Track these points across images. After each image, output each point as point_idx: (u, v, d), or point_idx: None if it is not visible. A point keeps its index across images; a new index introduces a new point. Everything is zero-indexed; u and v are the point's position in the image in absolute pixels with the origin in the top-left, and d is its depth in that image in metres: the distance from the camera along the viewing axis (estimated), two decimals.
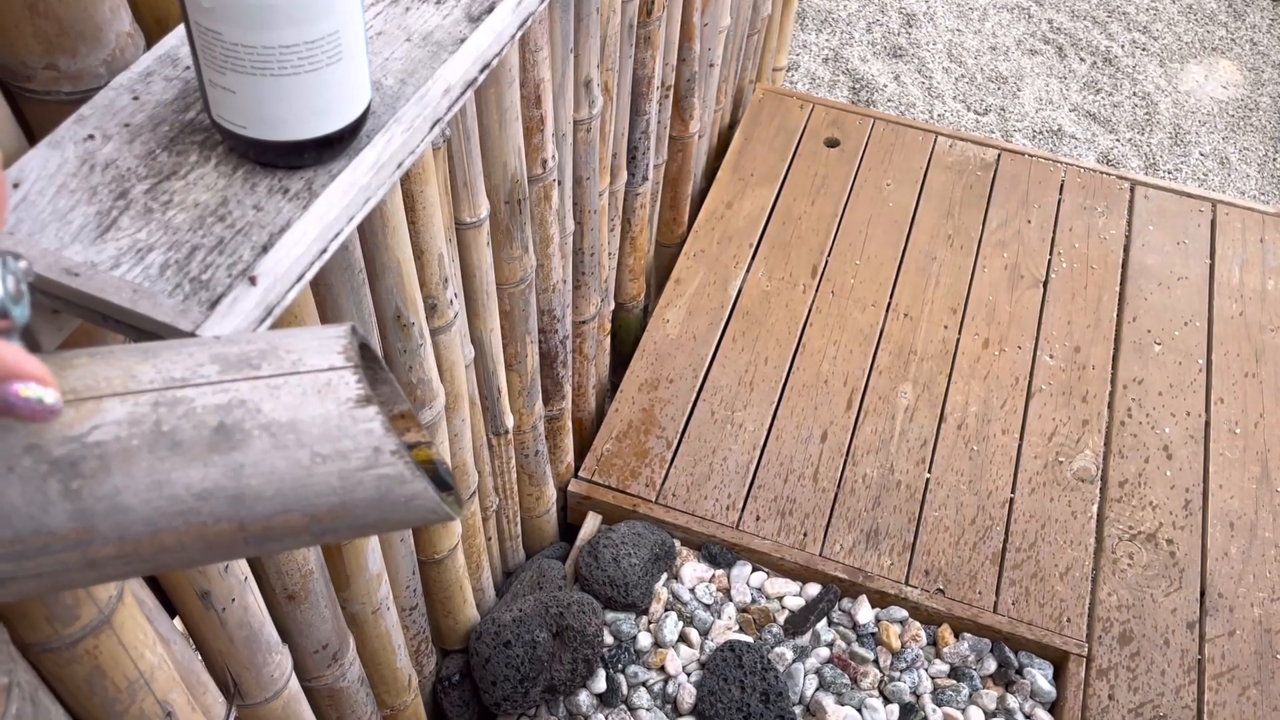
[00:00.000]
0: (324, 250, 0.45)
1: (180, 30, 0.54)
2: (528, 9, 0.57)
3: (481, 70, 0.54)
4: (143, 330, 0.43)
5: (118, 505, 0.35)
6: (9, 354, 0.33)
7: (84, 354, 0.37)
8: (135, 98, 0.51)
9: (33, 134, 0.52)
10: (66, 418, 0.35)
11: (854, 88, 2.60)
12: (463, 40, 0.55)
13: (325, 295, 0.80)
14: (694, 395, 1.66)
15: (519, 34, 0.56)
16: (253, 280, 0.43)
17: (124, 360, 0.37)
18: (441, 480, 0.44)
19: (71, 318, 0.47)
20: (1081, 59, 2.72)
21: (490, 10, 0.57)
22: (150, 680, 0.60)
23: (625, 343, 1.79)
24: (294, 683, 0.90)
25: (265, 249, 0.45)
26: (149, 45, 0.54)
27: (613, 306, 1.67)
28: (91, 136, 0.49)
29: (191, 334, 0.42)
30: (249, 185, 0.48)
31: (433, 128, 0.51)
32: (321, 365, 0.37)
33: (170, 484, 0.35)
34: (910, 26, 2.77)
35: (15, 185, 0.47)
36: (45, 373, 0.34)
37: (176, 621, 0.77)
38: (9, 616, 0.51)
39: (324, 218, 0.46)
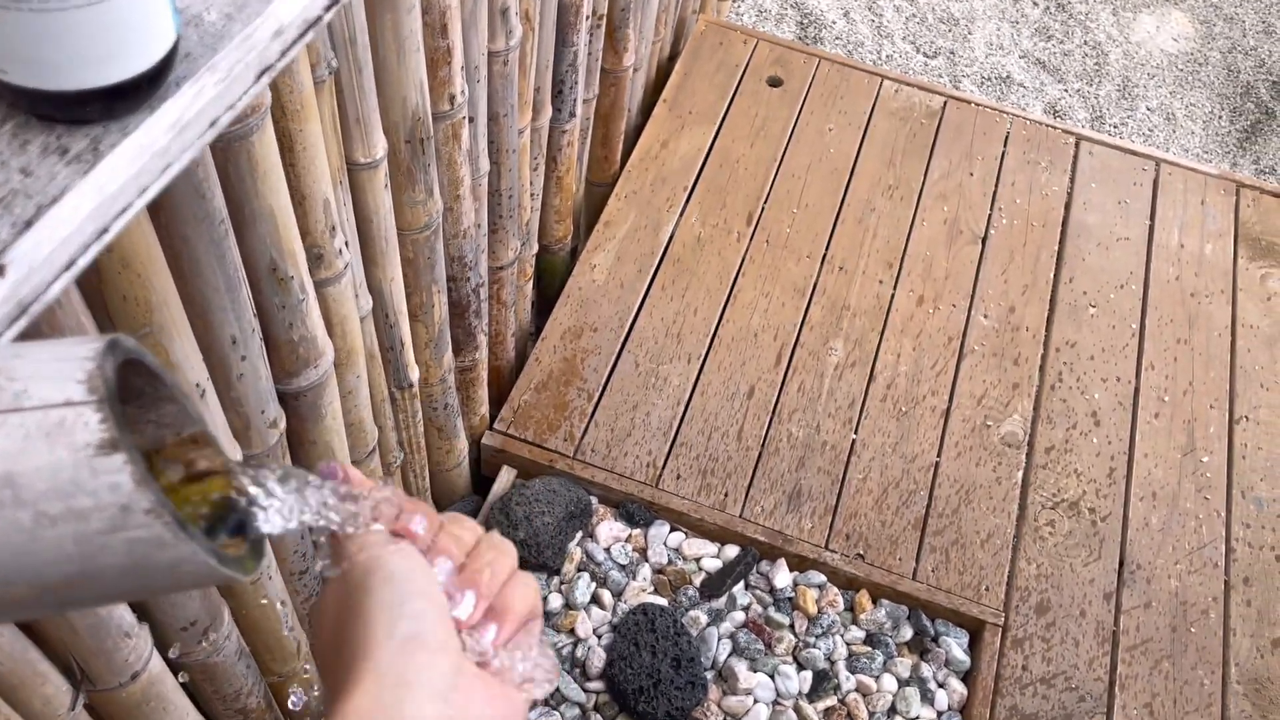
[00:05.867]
0: (104, 230, 0.37)
1: None
2: None
3: (328, 8, 0.45)
4: None
5: None
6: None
7: None
8: None
9: None
10: None
11: (802, 23, 2.50)
12: None
13: (180, 249, 0.70)
14: (619, 346, 1.59)
15: None
16: (0, 269, 0.34)
17: None
18: (250, 514, 0.36)
19: None
20: (1035, 3, 2.64)
21: None
22: None
23: (550, 286, 1.70)
24: (155, 664, 0.83)
25: (28, 225, 0.36)
26: None
27: (536, 249, 1.58)
28: None
29: None
30: (19, 143, 0.39)
31: (259, 77, 0.42)
32: (54, 399, 0.29)
33: None
34: None
35: None
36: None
37: None
38: None
39: (105, 188, 0.37)
